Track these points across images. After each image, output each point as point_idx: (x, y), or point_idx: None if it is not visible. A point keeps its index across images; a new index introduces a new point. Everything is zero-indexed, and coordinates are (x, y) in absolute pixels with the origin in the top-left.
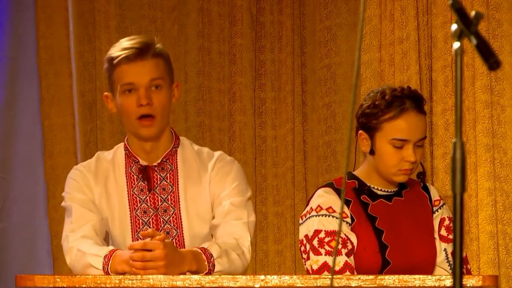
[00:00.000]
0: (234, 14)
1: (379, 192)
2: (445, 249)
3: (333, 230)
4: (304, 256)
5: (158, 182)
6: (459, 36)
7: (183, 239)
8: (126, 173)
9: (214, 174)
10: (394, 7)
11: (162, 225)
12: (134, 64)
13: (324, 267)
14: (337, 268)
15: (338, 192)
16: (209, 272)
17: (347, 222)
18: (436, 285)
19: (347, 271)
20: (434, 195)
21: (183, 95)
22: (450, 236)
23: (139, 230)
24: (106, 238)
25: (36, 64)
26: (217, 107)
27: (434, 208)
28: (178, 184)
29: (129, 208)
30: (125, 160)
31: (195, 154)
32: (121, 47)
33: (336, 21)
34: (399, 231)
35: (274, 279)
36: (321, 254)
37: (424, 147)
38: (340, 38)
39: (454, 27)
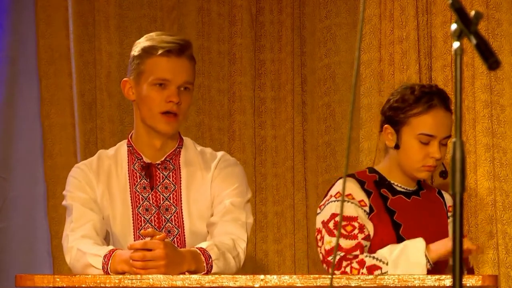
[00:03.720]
0: (233, 14)
1: (398, 188)
2: None
3: (349, 216)
4: (320, 243)
5: (161, 181)
6: (458, 35)
7: (184, 238)
8: (129, 170)
9: (216, 173)
10: (393, 6)
11: (164, 224)
12: (173, 60)
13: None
14: (349, 247)
15: (359, 182)
16: (207, 273)
17: (365, 211)
18: (436, 285)
19: (358, 250)
20: (448, 201)
21: None
22: None
23: (141, 228)
24: (107, 238)
25: (36, 64)
26: (217, 107)
27: (449, 214)
28: (180, 184)
29: (131, 205)
30: (128, 157)
31: (198, 155)
32: (161, 40)
33: (335, 21)
34: (416, 226)
35: (273, 279)
36: (334, 236)
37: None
38: (339, 37)
39: (453, 26)
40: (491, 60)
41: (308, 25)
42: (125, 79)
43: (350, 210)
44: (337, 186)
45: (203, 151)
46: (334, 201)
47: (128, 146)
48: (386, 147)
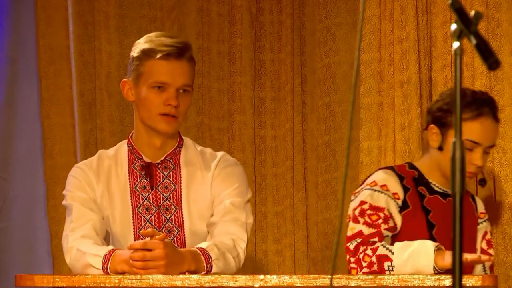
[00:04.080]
0: (233, 14)
1: (435, 188)
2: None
3: (377, 206)
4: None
5: (161, 180)
6: (458, 35)
7: (184, 237)
8: (129, 170)
9: (216, 173)
10: (393, 6)
11: (164, 223)
12: (172, 63)
13: (358, 234)
14: (367, 233)
15: (398, 176)
16: (207, 273)
17: (397, 204)
18: (436, 285)
19: (377, 237)
20: (480, 207)
21: None
22: (490, 251)
23: (141, 227)
24: (106, 238)
25: (36, 64)
26: (217, 107)
27: (480, 220)
28: (180, 183)
29: (132, 205)
30: (128, 156)
31: (198, 154)
32: (161, 42)
33: (335, 21)
34: (449, 228)
35: (273, 279)
36: (358, 223)
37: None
38: (339, 37)
39: (453, 26)
40: (491, 60)
41: (308, 25)
42: (124, 79)
43: (381, 200)
44: (375, 176)
45: (203, 151)
46: (368, 189)
47: (128, 146)
48: (428, 146)
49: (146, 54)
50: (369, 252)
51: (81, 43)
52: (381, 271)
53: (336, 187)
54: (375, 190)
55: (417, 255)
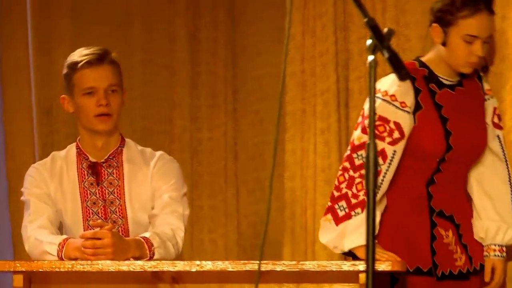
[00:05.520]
0: (173, 31)
1: (444, 81)
2: (498, 135)
3: (385, 117)
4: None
5: (106, 177)
6: (373, 50)
7: (128, 227)
8: (77, 169)
9: (155, 170)
10: (315, 24)
11: (110, 215)
12: (94, 69)
13: (363, 145)
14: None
15: (411, 79)
16: (150, 259)
17: (407, 112)
18: (351, 269)
19: (380, 157)
20: (486, 85)
21: (130, 102)
22: (501, 124)
23: (89, 219)
24: (60, 228)
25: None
26: (159, 113)
27: (486, 97)
28: (123, 179)
29: (81, 199)
30: (77, 157)
31: (139, 153)
32: (81, 54)
33: (264, 38)
34: (461, 117)
35: (208, 264)
36: (366, 134)
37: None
38: (267, 52)
39: (369, 42)
40: (402, 72)
41: (239, 41)
42: (62, 96)
43: (388, 112)
44: (390, 84)
45: (144, 150)
46: (380, 98)
47: (76, 148)
48: (433, 43)
49: (71, 67)
50: (360, 186)
51: (39, 56)
52: (349, 208)
53: (264, 183)
54: (385, 101)
55: (361, 231)
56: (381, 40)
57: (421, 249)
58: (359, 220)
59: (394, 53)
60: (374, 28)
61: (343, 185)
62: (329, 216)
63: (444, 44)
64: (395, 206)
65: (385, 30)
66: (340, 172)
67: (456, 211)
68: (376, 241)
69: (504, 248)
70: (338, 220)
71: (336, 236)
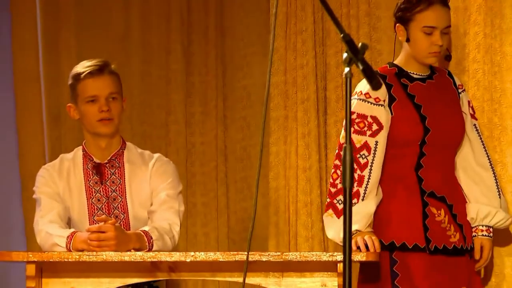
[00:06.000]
0: (169, 45)
1: (415, 76)
2: (474, 125)
3: (362, 114)
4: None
5: (109, 176)
6: (349, 62)
7: (129, 221)
8: (83, 170)
9: (153, 171)
10: (296, 39)
11: (112, 211)
12: (96, 79)
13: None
14: (358, 145)
15: (382, 77)
16: (149, 250)
17: (381, 105)
18: (330, 260)
19: (364, 149)
20: (457, 80)
21: (130, 109)
22: (475, 115)
23: (94, 214)
24: (69, 223)
25: (13, 83)
26: (156, 119)
27: (459, 90)
28: (124, 178)
29: (86, 197)
30: (83, 159)
31: (139, 155)
32: (83, 66)
33: (250, 51)
34: (434, 104)
35: (201, 255)
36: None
37: (450, 34)
38: (254, 64)
39: (345, 55)
40: (374, 82)
41: (229, 54)
42: (68, 104)
43: (365, 108)
44: (362, 84)
45: (143, 152)
46: (356, 98)
47: (82, 151)
48: (401, 44)
49: (75, 78)
50: (340, 197)
51: (48, 67)
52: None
53: (251, 182)
54: (360, 99)
55: (356, 218)
56: (356, 54)
57: (416, 227)
58: (355, 209)
59: (367, 65)
60: (349, 43)
61: (338, 181)
62: (330, 211)
63: (408, 40)
64: (391, 194)
65: (360, 44)
66: (332, 170)
67: (448, 193)
68: (372, 230)
69: (491, 229)
70: (339, 213)
71: (339, 228)
